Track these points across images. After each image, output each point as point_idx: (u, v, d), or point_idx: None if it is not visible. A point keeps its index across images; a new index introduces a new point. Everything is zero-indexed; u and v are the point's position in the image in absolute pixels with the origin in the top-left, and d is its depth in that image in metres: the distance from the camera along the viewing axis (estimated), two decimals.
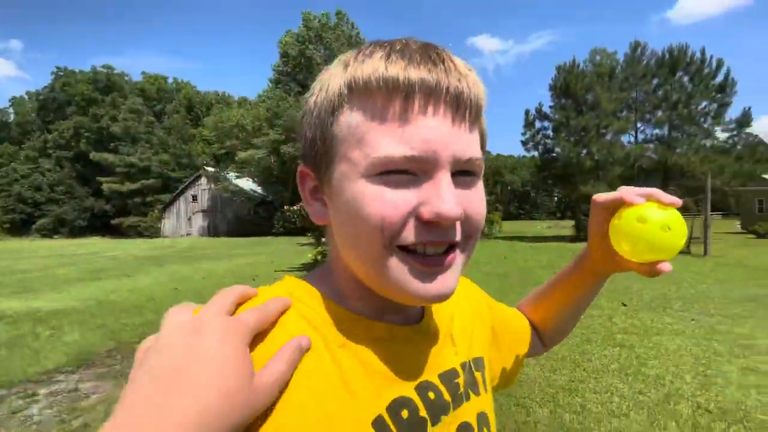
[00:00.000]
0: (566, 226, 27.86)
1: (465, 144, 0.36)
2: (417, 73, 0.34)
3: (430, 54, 0.36)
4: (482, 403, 0.45)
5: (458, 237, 0.37)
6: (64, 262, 15.03)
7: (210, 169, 36.26)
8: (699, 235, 12.81)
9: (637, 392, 3.05)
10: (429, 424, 0.39)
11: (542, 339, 0.68)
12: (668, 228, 0.41)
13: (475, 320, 0.53)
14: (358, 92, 0.36)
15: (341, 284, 0.42)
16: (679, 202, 0.43)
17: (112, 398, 3.30)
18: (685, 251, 13.04)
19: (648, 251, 0.43)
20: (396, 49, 0.36)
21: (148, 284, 9.24)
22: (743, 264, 10.16)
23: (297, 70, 33.10)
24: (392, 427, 0.36)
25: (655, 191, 0.44)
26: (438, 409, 0.40)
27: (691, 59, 18.75)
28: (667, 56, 19.42)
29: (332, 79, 0.38)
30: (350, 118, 0.36)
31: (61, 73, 41.35)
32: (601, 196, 0.48)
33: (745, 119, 18.22)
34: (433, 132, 0.35)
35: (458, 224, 0.37)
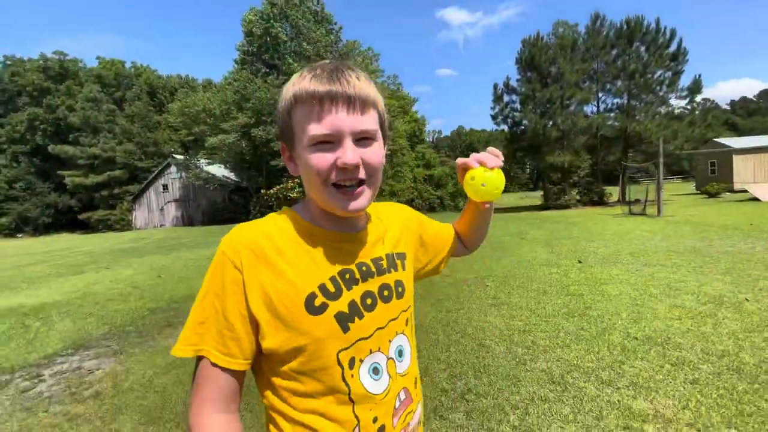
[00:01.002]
0: (537, 196, 28.92)
1: (357, 123, 0.64)
2: (324, 88, 0.63)
3: (332, 75, 0.64)
4: (400, 276, 0.79)
5: (363, 175, 0.66)
6: (37, 260, 14.71)
7: (179, 156, 35.21)
8: (653, 197, 13.76)
9: (580, 329, 3.59)
10: (360, 281, 0.72)
11: (465, 244, 1.05)
12: (484, 184, 0.75)
13: (403, 231, 0.87)
14: (298, 100, 0.65)
15: (311, 210, 0.74)
16: (499, 163, 0.77)
17: (116, 372, 3.60)
18: (641, 213, 14.03)
19: (475, 196, 0.78)
20: (316, 74, 0.65)
21: (129, 275, 9.32)
22: (690, 221, 11.09)
23: (263, 50, 32.19)
24: (340, 282, 0.69)
25: (485, 158, 0.77)
26: (367, 275, 0.73)
27: (647, 30, 19.50)
28: (625, 27, 20.10)
29: (287, 91, 0.69)
30: (297, 116, 0.66)
31: (9, 62, 38.68)
32: (459, 161, 0.80)
33: (695, 86, 19.26)
34: (337, 119, 0.63)
35: (362, 168, 0.65)
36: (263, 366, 0.69)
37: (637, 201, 16.23)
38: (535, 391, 2.60)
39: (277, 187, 10.54)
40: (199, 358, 0.66)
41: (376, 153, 0.68)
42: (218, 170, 34.71)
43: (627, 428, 2.16)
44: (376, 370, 0.71)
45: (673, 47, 19.48)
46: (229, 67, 36.78)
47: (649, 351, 3.07)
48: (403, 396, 0.75)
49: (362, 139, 0.66)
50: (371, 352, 0.71)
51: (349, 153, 0.63)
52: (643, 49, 20.02)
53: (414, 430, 0.78)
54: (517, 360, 3.05)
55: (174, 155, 35.81)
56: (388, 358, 0.73)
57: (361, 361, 0.69)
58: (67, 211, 37.79)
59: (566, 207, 20.23)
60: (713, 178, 24.49)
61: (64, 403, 3.07)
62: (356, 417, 0.68)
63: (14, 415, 2.94)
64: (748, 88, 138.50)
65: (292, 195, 9.98)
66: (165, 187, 35.94)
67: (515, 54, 21.97)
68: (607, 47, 20.38)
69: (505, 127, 24.07)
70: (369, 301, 0.72)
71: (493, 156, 0.78)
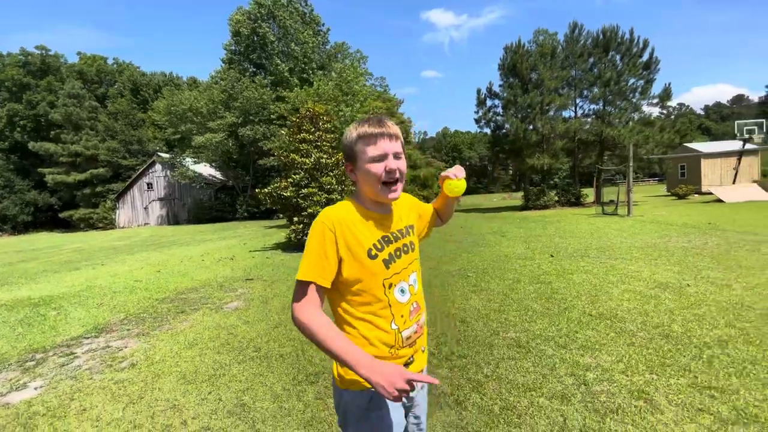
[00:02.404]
0: (518, 197, 29.91)
1: (395, 148, 1.19)
2: (375, 129, 1.19)
3: (380, 121, 1.20)
4: (412, 238, 1.37)
5: (399, 176, 1.20)
6: (26, 257, 14.75)
7: (164, 155, 35.06)
8: (624, 199, 14.71)
9: (546, 308, 4.24)
10: (393, 241, 1.29)
11: (441, 218, 1.65)
12: (457, 186, 1.38)
13: (410, 211, 1.45)
14: (360, 137, 1.21)
15: (364, 200, 1.30)
16: (464, 175, 1.40)
17: (144, 348, 4.07)
18: (613, 213, 14.96)
19: (451, 193, 1.41)
20: (371, 122, 1.21)
21: (127, 270, 9.65)
22: (656, 221, 12.02)
23: (250, 50, 32.36)
24: (383, 242, 1.26)
25: (458, 171, 1.39)
26: (396, 238, 1.30)
27: (622, 39, 20.59)
28: (601, 37, 21.15)
29: (352, 131, 1.26)
30: (360, 145, 1.22)
31: None
32: (443, 173, 1.41)
33: (665, 94, 20.45)
34: (384, 146, 1.18)
35: (397, 172, 1.19)
36: (339, 288, 1.21)
37: (611, 202, 17.21)
38: (505, 352, 3.22)
39: (271, 186, 10.97)
40: (307, 283, 1.17)
41: (404, 164, 1.24)
42: (204, 169, 34.71)
43: (573, 375, 2.79)
44: (402, 291, 1.27)
45: (645, 57, 20.64)
46: (215, 66, 36.67)
47: (599, 324, 3.73)
48: (415, 305, 1.32)
49: (396, 156, 1.22)
50: (400, 281, 1.26)
51: (392, 163, 1.19)
52: (618, 57, 21.12)
53: (422, 326, 1.35)
54: (492, 332, 3.67)
55: (159, 153, 35.64)
56: (409, 284, 1.31)
57: (395, 285, 1.25)
58: (47, 209, 37.16)
59: (545, 207, 21.18)
60: (683, 180, 25.89)
61: (105, 373, 3.55)
62: (392, 314, 1.24)
63: (62, 382, 3.40)
64: (722, 93, 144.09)
65: (285, 194, 10.44)
66: (149, 185, 35.74)
67: (499, 58, 22.84)
68: (585, 56, 21.41)
69: (488, 131, 24.95)
70: (398, 253, 1.27)
71: (461, 171, 1.42)
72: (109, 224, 35.10)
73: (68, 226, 35.60)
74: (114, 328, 4.87)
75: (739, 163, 21.21)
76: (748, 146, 22.07)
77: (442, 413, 2.47)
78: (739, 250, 6.77)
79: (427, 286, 5.68)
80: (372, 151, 1.18)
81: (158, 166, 35.20)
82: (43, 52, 37.91)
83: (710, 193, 20.78)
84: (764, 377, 2.68)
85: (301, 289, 1.17)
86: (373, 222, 1.24)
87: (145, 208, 35.99)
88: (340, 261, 1.17)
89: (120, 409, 2.84)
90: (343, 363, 1.08)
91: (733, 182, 21.31)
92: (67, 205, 35.85)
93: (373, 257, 1.20)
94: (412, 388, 0.99)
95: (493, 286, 5.35)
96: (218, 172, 34.61)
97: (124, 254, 13.55)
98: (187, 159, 31.86)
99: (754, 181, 21.98)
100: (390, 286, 1.23)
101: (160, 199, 35.65)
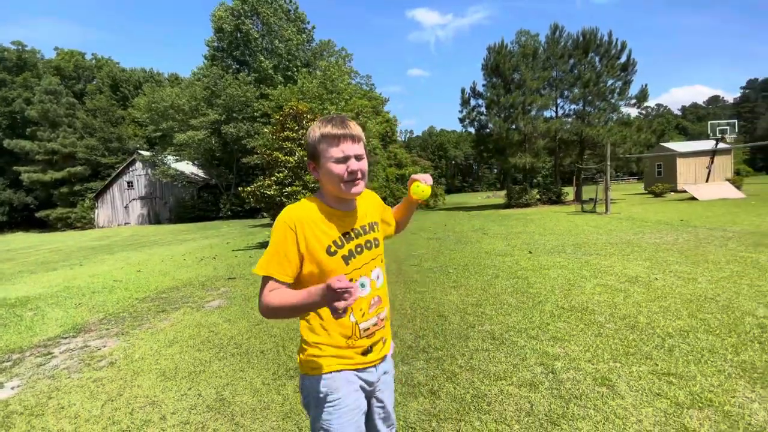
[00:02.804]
0: (502, 196, 30.31)
1: (357, 149, 1.21)
2: (338, 131, 1.20)
3: (342, 123, 1.22)
4: (375, 235, 1.43)
5: (361, 176, 1.23)
6: (1, 258, 14.33)
7: (145, 153, 34.39)
8: (602, 197, 15.10)
9: (521, 303, 4.38)
10: (354, 238, 1.34)
11: (397, 225, 1.69)
12: (423, 191, 1.47)
13: (375, 209, 1.51)
14: (324, 137, 1.22)
15: (326, 197, 1.35)
16: (431, 182, 1.49)
17: (123, 347, 4.06)
18: (592, 211, 15.34)
19: (418, 197, 1.49)
20: (334, 123, 1.22)
21: (107, 270, 9.50)
22: (632, 218, 12.39)
23: (233, 47, 31.98)
24: (344, 239, 1.31)
25: (427, 178, 1.48)
26: (358, 235, 1.35)
27: (600, 42, 21.08)
28: (581, 38, 21.60)
29: (314, 131, 1.31)
30: (323, 145, 1.23)
31: None
32: (413, 176, 1.50)
33: (642, 95, 21.03)
34: (347, 147, 1.20)
35: (359, 173, 1.21)
36: (301, 281, 1.25)
37: (590, 200, 17.64)
38: (479, 344, 3.34)
39: (255, 184, 10.94)
40: (267, 278, 1.23)
41: (365, 164, 1.27)
42: (186, 167, 34.18)
43: (542, 364, 2.92)
44: (363, 285, 1.34)
45: (623, 58, 21.17)
46: (197, 62, 36.19)
47: (570, 316, 3.88)
48: (377, 299, 1.38)
49: (358, 158, 1.24)
50: (360, 276, 1.32)
51: (354, 165, 1.22)
52: (597, 59, 21.61)
53: (383, 319, 1.41)
54: (468, 325, 3.79)
55: (140, 151, 34.94)
56: (371, 279, 1.37)
57: (355, 280, 1.28)
58: (23, 208, 36.08)
59: (527, 205, 21.56)
60: (660, 179, 26.66)
61: (83, 372, 3.54)
62: (350, 307, 1.25)
63: (40, 381, 3.39)
64: (699, 94, 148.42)
65: (269, 192, 10.42)
66: (130, 184, 35.02)
67: (483, 58, 23.12)
68: (565, 57, 21.83)
69: (472, 130, 25.24)
70: (359, 249, 1.30)
71: (430, 179, 1.50)
72: (88, 224, 34.27)
73: (45, 226, 34.64)
74: (92, 328, 4.83)
75: (713, 162, 21.95)
76: (721, 146, 22.86)
77: (416, 402, 2.57)
78: (708, 245, 7.07)
79: (409, 282, 5.78)
80: (335, 152, 1.20)
81: (139, 164, 34.52)
82: (20, 47, 36.81)
83: (685, 191, 21.47)
84: (721, 364, 2.85)
85: (262, 284, 1.22)
86: (334, 219, 1.28)
87: (125, 207, 35.26)
88: (301, 257, 1.22)
89: (98, 407, 2.85)
90: (308, 309, 1.15)
91: (707, 180, 22.05)
92: (43, 204, 34.88)
93: (331, 254, 1.23)
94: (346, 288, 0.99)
95: (472, 281, 5.48)
96: (201, 171, 34.18)
97: (104, 254, 13.30)
98: (169, 157, 31.33)
99: (727, 180, 22.79)
100: (351, 280, 1.28)
101: (141, 198, 34.97)
